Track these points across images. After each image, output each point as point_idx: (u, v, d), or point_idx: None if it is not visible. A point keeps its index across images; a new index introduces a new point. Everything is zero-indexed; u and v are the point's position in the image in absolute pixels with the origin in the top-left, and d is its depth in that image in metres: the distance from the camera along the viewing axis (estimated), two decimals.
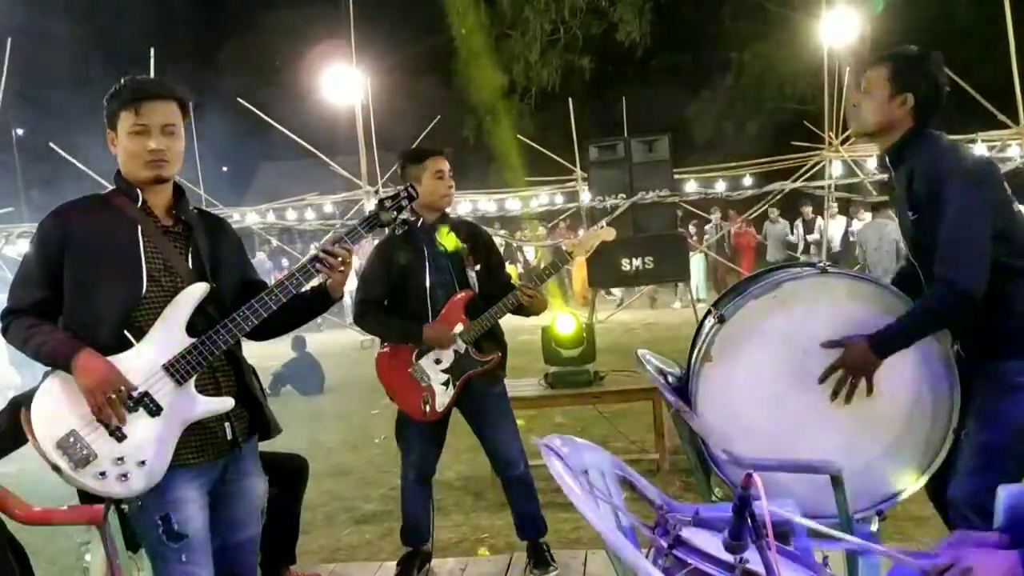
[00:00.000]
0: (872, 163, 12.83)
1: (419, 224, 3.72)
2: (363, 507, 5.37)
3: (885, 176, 2.97)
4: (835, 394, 2.59)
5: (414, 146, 3.94)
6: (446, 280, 3.68)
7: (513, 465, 3.75)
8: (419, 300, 3.66)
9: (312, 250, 2.70)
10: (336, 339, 14.08)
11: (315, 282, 2.54)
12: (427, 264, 3.67)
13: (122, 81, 2.44)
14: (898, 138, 2.71)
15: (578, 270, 14.69)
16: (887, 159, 2.79)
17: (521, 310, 3.70)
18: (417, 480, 3.84)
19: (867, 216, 12.14)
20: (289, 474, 3.77)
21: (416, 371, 3.66)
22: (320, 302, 2.63)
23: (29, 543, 4.50)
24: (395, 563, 3.94)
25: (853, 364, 2.57)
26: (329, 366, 10.58)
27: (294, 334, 11.60)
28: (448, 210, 3.82)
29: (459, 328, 3.63)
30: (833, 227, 14.36)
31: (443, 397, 3.65)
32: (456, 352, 3.63)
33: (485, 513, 4.96)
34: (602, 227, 3.91)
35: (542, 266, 4.02)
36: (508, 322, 3.76)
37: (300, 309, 2.60)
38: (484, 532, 4.66)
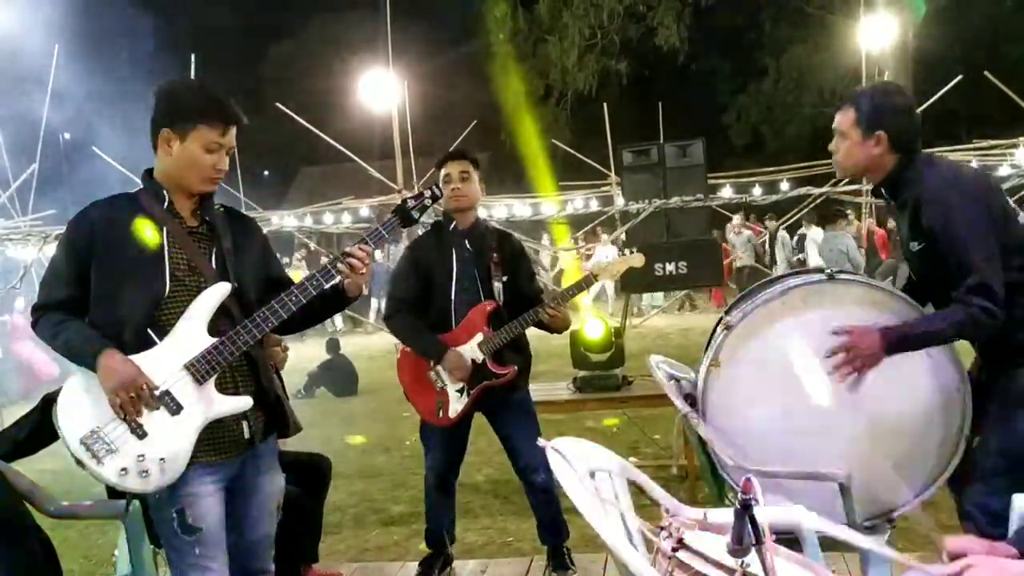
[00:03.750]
0: None
1: (451, 228, 3.73)
2: (392, 509, 5.41)
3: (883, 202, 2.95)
4: (836, 369, 2.57)
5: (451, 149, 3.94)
6: (471, 288, 3.68)
7: (533, 470, 3.73)
8: (442, 307, 3.68)
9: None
10: (370, 342, 14.20)
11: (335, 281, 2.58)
12: (453, 271, 3.67)
13: (203, 88, 2.52)
14: (889, 172, 2.71)
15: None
16: (883, 191, 2.79)
17: (543, 326, 3.67)
18: (439, 483, 3.86)
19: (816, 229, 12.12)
20: (313, 474, 3.82)
21: (434, 374, 3.67)
22: (337, 300, 2.64)
23: (66, 538, 4.63)
24: (417, 564, 3.96)
25: (858, 350, 2.55)
26: (363, 368, 10.68)
27: (328, 336, 11.76)
28: (491, 215, 3.83)
29: (479, 338, 3.63)
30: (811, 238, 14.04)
31: (457, 404, 3.65)
32: (474, 361, 3.62)
33: (512, 516, 4.97)
34: (632, 252, 3.88)
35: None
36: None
37: (318, 308, 2.62)
38: (510, 535, 4.67)
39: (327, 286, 2.53)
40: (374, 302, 17.28)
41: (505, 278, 3.71)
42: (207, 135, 2.41)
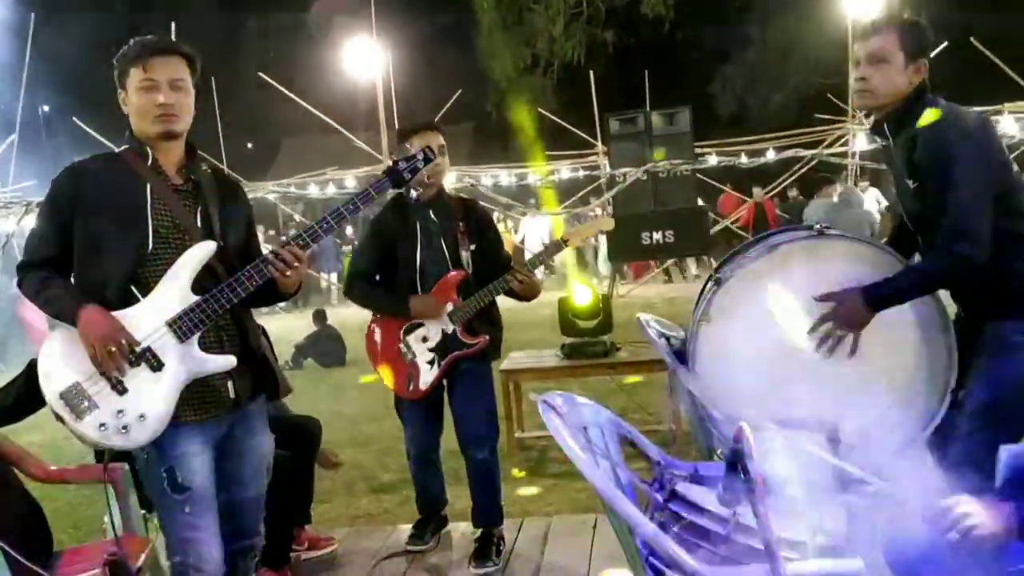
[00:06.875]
0: None
1: (414, 199, 3.63)
2: (382, 476, 5.43)
3: (880, 144, 2.85)
4: (820, 344, 2.59)
5: (422, 120, 3.84)
6: (438, 258, 3.60)
7: (477, 447, 3.68)
8: (409, 278, 3.60)
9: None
10: (358, 313, 14.14)
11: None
12: (419, 241, 3.60)
13: (130, 41, 2.47)
14: (901, 104, 2.64)
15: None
16: (886, 127, 2.71)
17: (513, 294, 3.60)
18: (419, 456, 3.83)
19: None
20: (303, 437, 3.82)
21: (403, 347, 3.62)
22: (273, 293, 2.58)
23: (55, 509, 4.62)
24: (410, 526, 3.98)
25: (845, 316, 2.57)
26: (351, 340, 10.65)
27: (315, 307, 11.70)
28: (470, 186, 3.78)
29: (449, 308, 3.56)
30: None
31: (427, 375, 3.60)
32: (444, 332, 3.57)
33: (502, 484, 4.99)
34: (600, 216, 3.90)
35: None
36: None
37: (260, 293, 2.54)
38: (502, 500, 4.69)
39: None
40: (323, 279, 17.30)
41: (473, 247, 3.63)
42: (135, 77, 2.41)
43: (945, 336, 2.64)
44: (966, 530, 1.63)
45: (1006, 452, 1.93)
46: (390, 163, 2.71)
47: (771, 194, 15.66)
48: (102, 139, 11.90)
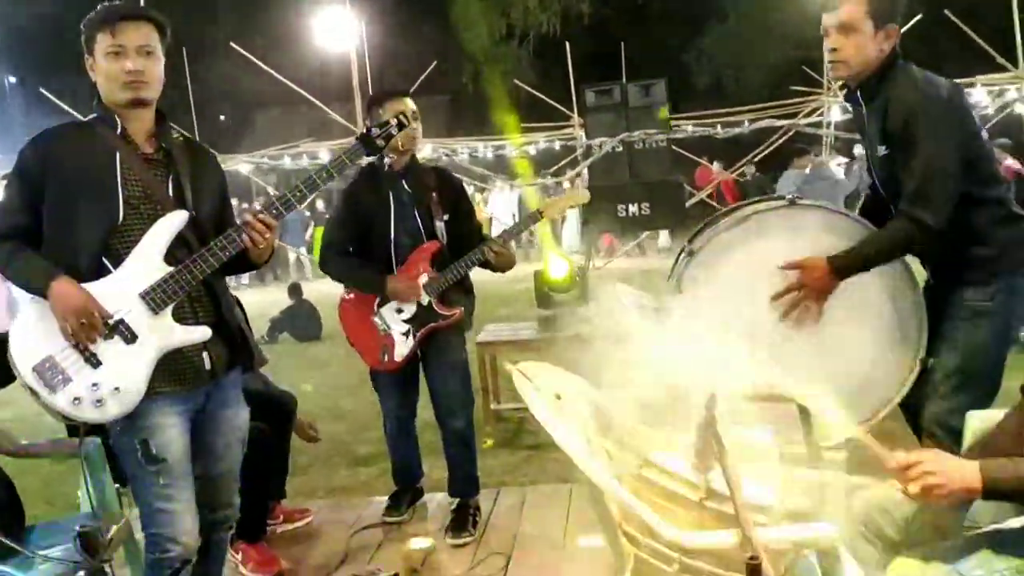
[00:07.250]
0: None
1: (386, 169, 3.60)
2: (359, 449, 5.43)
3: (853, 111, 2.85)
4: (786, 314, 2.60)
5: (384, 89, 3.79)
6: (412, 229, 3.57)
7: (453, 417, 3.69)
8: (383, 249, 3.58)
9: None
10: (334, 287, 14.07)
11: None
12: (392, 212, 3.57)
13: (98, 6, 2.42)
14: (874, 71, 2.63)
15: None
16: (859, 94, 2.71)
17: (488, 265, 3.59)
18: (397, 428, 3.83)
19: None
20: (278, 410, 3.80)
21: (378, 319, 3.60)
22: (243, 262, 2.55)
23: (28, 486, 4.59)
24: (386, 498, 3.99)
25: (810, 284, 2.59)
26: (327, 314, 10.61)
27: (291, 281, 11.64)
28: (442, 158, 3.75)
29: (423, 280, 3.54)
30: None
31: (402, 347, 3.59)
32: (419, 304, 3.55)
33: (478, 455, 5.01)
34: (576, 188, 3.91)
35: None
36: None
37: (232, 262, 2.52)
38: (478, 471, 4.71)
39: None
40: (291, 254, 17.21)
41: (446, 217, 3.61)
42: (102, 43, 2.37)
43: (915, 303, 2.67)
44: (928, 487, 1.66)
45: (973, 419, 1.96)
46: (362, 131, 2.67)
47: (736, 171, 15.75)
48: (71, 111, 11.71)
